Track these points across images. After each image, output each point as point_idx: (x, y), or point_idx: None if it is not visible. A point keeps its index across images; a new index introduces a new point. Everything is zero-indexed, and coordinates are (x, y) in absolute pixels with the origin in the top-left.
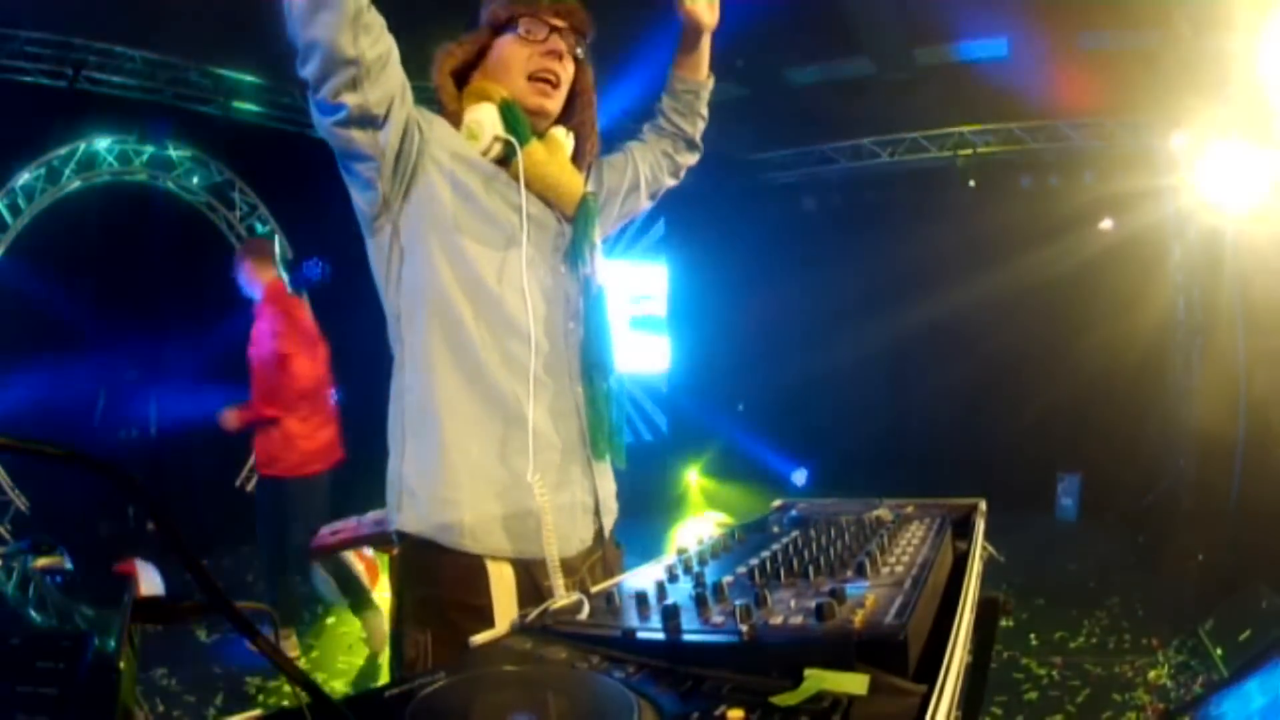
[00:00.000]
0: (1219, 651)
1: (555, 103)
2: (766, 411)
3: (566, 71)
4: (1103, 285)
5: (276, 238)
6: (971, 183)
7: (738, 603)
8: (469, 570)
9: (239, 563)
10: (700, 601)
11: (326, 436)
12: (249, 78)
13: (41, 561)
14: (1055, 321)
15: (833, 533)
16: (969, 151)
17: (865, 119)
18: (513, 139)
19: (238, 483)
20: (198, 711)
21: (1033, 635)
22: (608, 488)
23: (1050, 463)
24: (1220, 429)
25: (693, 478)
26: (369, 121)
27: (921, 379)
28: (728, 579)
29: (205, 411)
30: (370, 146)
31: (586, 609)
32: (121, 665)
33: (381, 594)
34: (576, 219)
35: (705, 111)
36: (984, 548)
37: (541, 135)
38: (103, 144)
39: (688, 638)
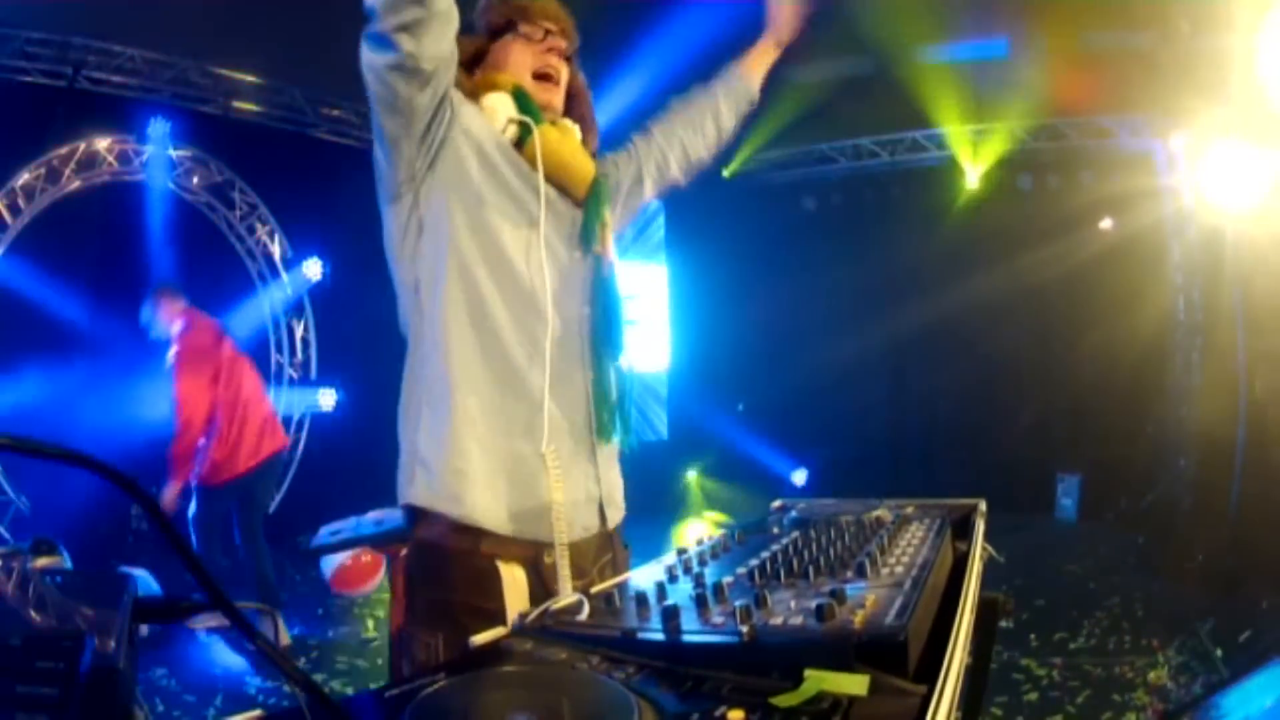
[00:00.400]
0: (1219, 652)
1: (558, 98)
2: (766, 412)
3: (563, 71)
4: (1103, 285)
5: (278, 237)
6: (972, 183)
7: (738, 603)
8: (481, 573)
9: (237, 563)
10: (700, 602)
11: (250, 438)
12: (249, 78)
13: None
14: (1055, 322)
15: (833, 533)
16: (969, 151)
17: (865, 119)
18: (528, 119)
19: None
20: (198, 711)
21: (1033, 636)
22: (613, 479)
23: (1050, 463)
24: (1220, 429)
25: (693, 478)
26: (414, 73)
27: (922, 379)
28: (728, 579)
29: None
30: (407, 102)
31: (586, 609)
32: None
33: (379, 594)
34: (588, 199)
35: (742, 121)
36: (984, 548)
37: (553, 124)
38: (102, 144)
39: (688, 638)
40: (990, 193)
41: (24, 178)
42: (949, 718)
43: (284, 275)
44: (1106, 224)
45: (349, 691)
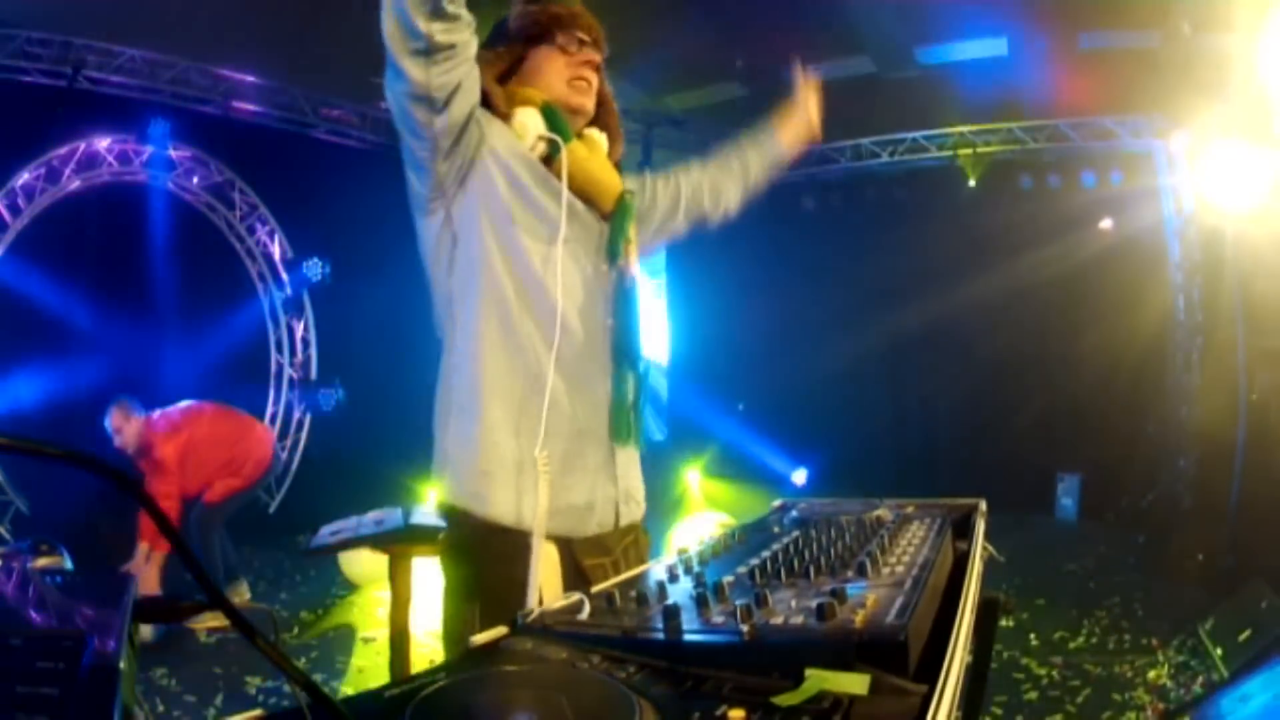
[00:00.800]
0: (1219, 651)
1: (592, 102)
2: (767, 411)
3: (594, 80)
4: (1103, 285)
5: (278, 236)
6: (971, 183)
7: (738, 603)
8: (514, 548)
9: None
10: (701, 601)
11: (236, 477)
12: (249, 77)
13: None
14: (1055, 321)
15: (833, 533)
16: (969, 151)
17: (865, 119)
18: (557, 137)
19: None
20: (198, 711)
21: (1033, 635)
22: (632, 480)
23: (1050, 463)
24: (1220, 429)
25: (693, 478)
26: (427, 101)
27: (922, 379)
28: (728, 579)
29: None
30: (426, 126)
31: (587, 609)
32: (121, 665)
33: (378, 592)
34: (614, 214)
35: (765, 184)
36: (984, 548)
37: (580, 136)
38: (103, 144)
39: (688, 638)
40: (990, 193)
41: (24, 178)
42: (949, 717)
43: (284, 275)
44: (1107, 224)
45: (349, 691)
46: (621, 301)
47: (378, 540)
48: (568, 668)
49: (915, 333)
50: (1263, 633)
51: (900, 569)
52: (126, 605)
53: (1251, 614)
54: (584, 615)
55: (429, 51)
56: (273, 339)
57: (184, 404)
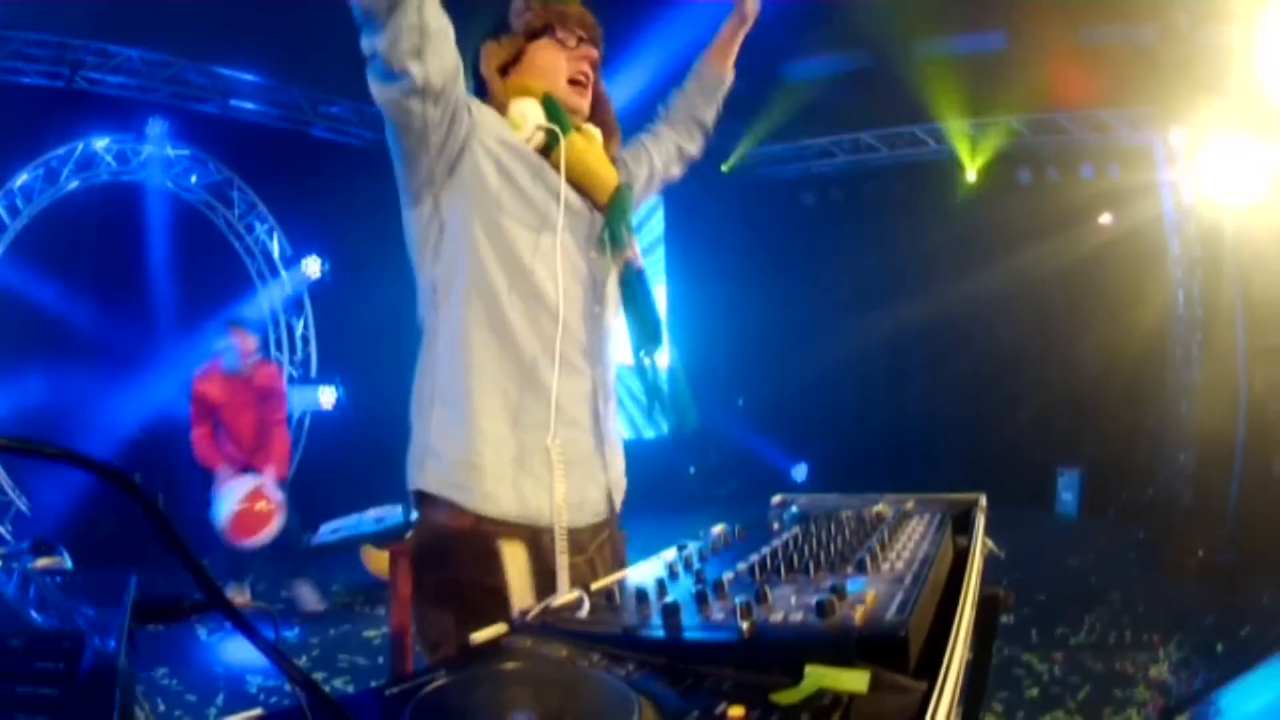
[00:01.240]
0: (1220, 647)
1: (588, 102)
2: (766, 407)
3: (592, 76)
4: (1102, 280)
5: (277, 235)
6: (970, 177)
7: (738, 600)
8: (483, 552)
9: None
10: (700, 599)
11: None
12: (248, 77)
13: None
14: (1055, 316)
15: (833, 529)
16: (968, 145)
17: (864, 113)
18: (556, 128)
19: None
20: (198, 711)
21: (1034, 631)
22: (619, 466)
23: (1050, 458)
24: (1220, 424)
25: (692, 474)
26: (427, 93)
27: (921, 374)
28: (728, 576)
29: None
30: (422, 119)
31: (587, 606)
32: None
33: (379, 594)
34: (612, 206)
35: (721, 104)
36: (984, 544)
37: (578, 130)
38: (101, 144)
39: (688, 635)
40: (989, 187)
41: (23, 178)
42: (950, 714)
43: (283, 273)
44: (1106, 218)
45: (349, 690)
46: (631, 291)
47: (378, 538)
48: (567, 666)
49: (915, 327)
50: (1263, 629)
51: (900, 565)
52: (126, 605)
53: (1252, 609)
54: (583, 613)
55: (426, 43)
56: (272, 337)
57: None
